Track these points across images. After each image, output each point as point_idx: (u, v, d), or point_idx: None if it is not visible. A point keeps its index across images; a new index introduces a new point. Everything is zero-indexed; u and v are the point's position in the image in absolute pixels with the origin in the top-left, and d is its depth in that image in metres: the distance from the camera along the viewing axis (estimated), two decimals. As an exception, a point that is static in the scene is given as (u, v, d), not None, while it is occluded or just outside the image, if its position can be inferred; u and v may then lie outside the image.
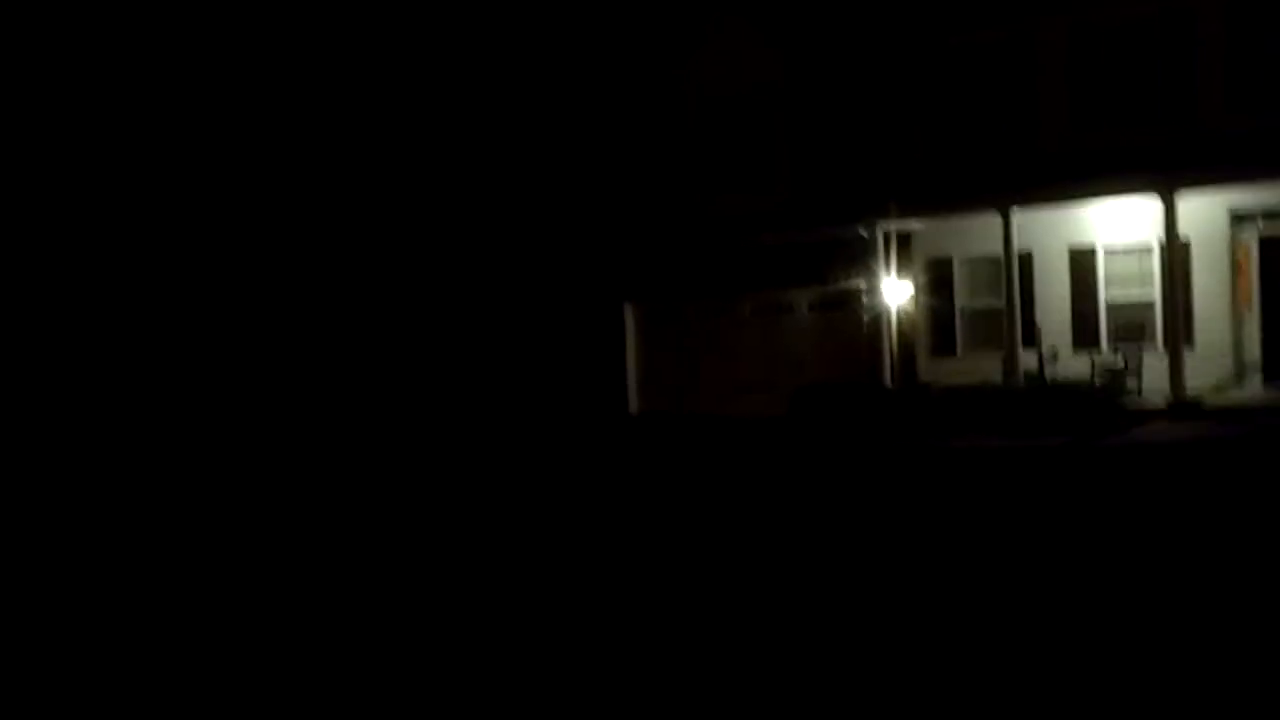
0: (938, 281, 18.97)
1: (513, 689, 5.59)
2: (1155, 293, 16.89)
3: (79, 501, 13.26)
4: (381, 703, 5.45)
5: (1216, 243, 16.74)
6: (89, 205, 21.75)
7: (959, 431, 15.40)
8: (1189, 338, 16.34)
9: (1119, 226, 17.36)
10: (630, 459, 16.02)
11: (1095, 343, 17.35)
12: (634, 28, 22.00)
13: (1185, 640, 5.77)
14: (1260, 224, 16.58)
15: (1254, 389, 16.18)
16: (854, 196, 18.77)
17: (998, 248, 17.17)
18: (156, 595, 8.15)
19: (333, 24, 23.23)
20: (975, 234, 18.03)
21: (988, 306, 18.16)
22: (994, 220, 17.09)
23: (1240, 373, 16.47)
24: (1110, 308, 17.40)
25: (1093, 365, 16.66)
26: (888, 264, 18.14)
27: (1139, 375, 16.52)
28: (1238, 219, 16.68)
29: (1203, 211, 16.47)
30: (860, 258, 18.55)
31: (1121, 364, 16.63)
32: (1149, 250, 17.06)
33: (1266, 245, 16.60)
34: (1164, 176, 15.81)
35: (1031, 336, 17.39)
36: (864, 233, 18.24)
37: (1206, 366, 16.23)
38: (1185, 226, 16.15)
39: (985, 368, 17.48)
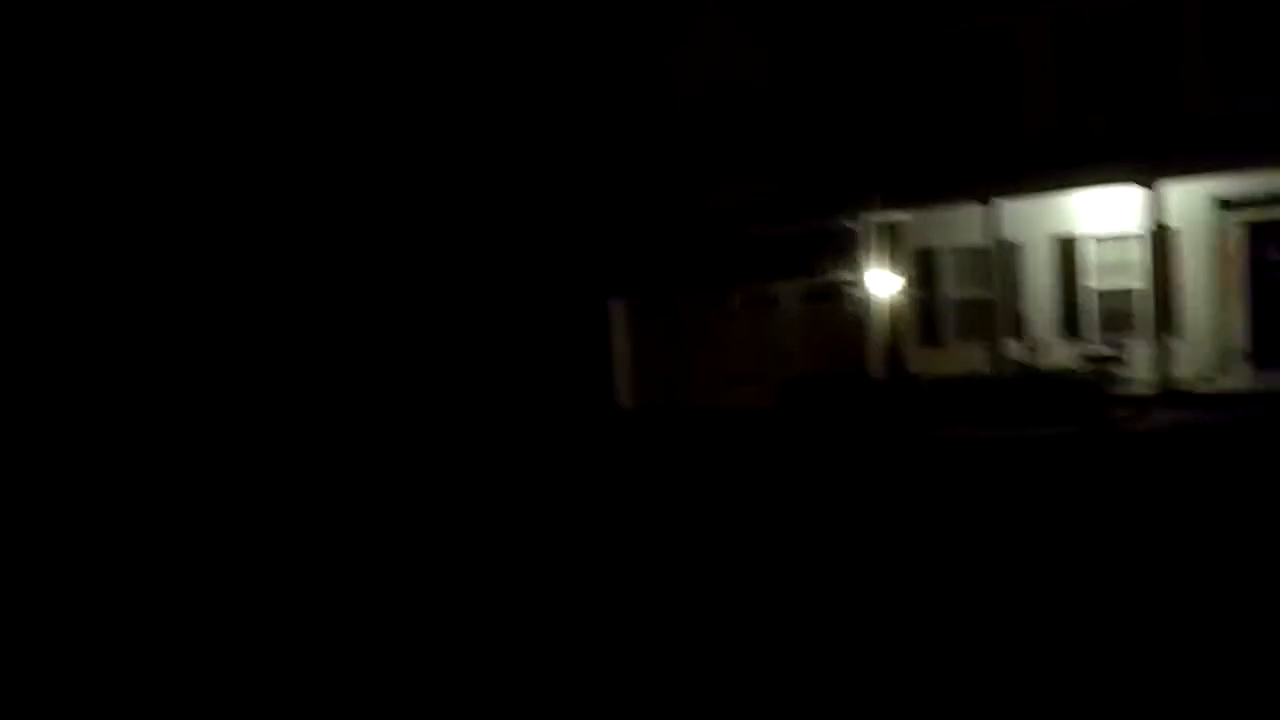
0: (925, 272, 18.99)
1: (508, 685, 5.58)
2: (1142, 281, 16.89)
3: (79, 501, 13.22)
4: (374, 699, 5.43)
5: (1203, 230, 16.74)
6: (88, 205, 21.72)
7: (947, 422, 15.41)
8: (1176, 326, 16.35)
9: (1105, 215, 17.36)
10: (621, 454, 16.00)
11: (1082, 331, 17.38)
12: (620, 23, 21.96)
13: (1173, 626, 5.77)
14: (1246, 211, 16.58)
15: (1241, 376, 16.20)
16: (841, 189, 18.78)
17: (984, 238, 17.18)
18: (153, 594, 8.12)
19: (324, 20, 23.14)
20: (962, 224, 18.04)
21: (975, 297, 18.17)
22: (980, 211, 17.09)
23: (1227, 360, 16.48)
24: (1097, 296, 17.42)
25: (1079, 354, 16.67)
26: (875, 255, 18.14)
27: (1127, 364, 16.53)
28: (1224, 206, 16.69)
29: (1189, 199, 16.47)
30: (848, 249, 18.56)
31: (1109, 353, 16.63)
32: (1135, 239, 17.05)
33: (1253, 232, 16.60)
34: (1149, 165, 15.81)
35: (1019, 326, 17.43)
36: (851, 224, 18.25)
37: (1194, 354, 16.24)
38: (1171, 214, 16.16)
39: (973, 358, 17.50)
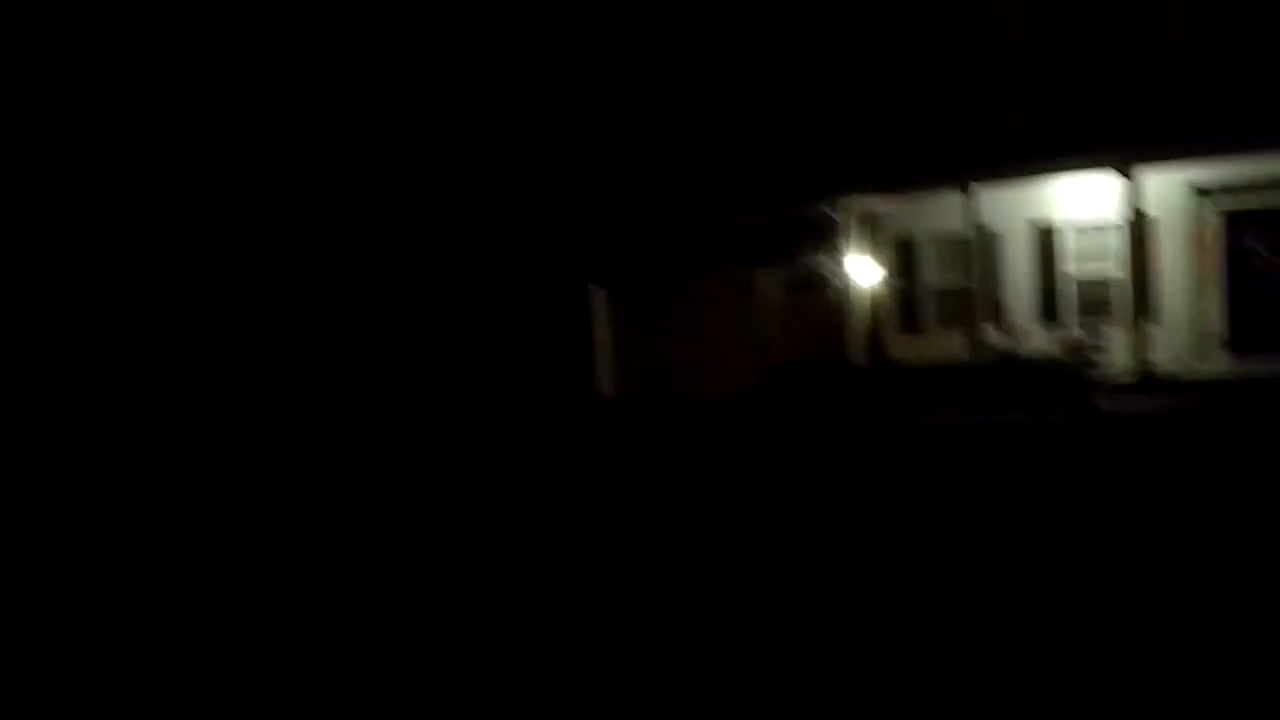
0: (905, 260, 19.07)
1: (492, 674, 5.59)
2: (1120, 269, 17.02)
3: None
4: (360, 689, 5.44)
5: (1180, 218, 16.88)
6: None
7: (927, 408, 15.50)
8: (1154, 313, 16.48)
9: (1084, 203, 17.47)
10: (605, 441, 16.02)
11: (1060, 318, 17.50)
12: (601, 10, 21.91)
13: (1152, 609, 5.84)
14: (1223, 199, 16.71)
15: (1217, 362, 16.35)
16: (822, 176, 18.83)
17: (964, 226, 17.26)
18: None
19: (299, 14, 23.04)
20: (942, 212, 18.12)
21: (955, 284, 18.26)
22: (960, 199, 17.17)
23: (1204, 346, 16.62)
24: (1075, 283, 17.54)
25: (1057, 341, 16.78)
26: (856, 243, 18.20)
27: (1104, 350, 16.65)
28: (1201, 194, 16.81)
29: (1167, 187, 16.61)
30: (828, 237, 18.60)
31: (1087, 339, 16.75)
32: (1113, 226, 17.18)
33: (1230, 220, 16.73)
34: (1127, 153, 15.91)
35: (998, 313, 17.54)
36: (832, 213, 18.30)
37: (1171, 341, 16.41)
38: (1149, 201, 16.28)
39: (953, 345, 17.62)
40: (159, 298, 21.69)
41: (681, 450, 13.98)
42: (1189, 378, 15.44)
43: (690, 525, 8.92)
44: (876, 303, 18.77)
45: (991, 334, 17.20)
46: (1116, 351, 16.45)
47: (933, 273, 18.88)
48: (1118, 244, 17.07)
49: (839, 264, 18.35)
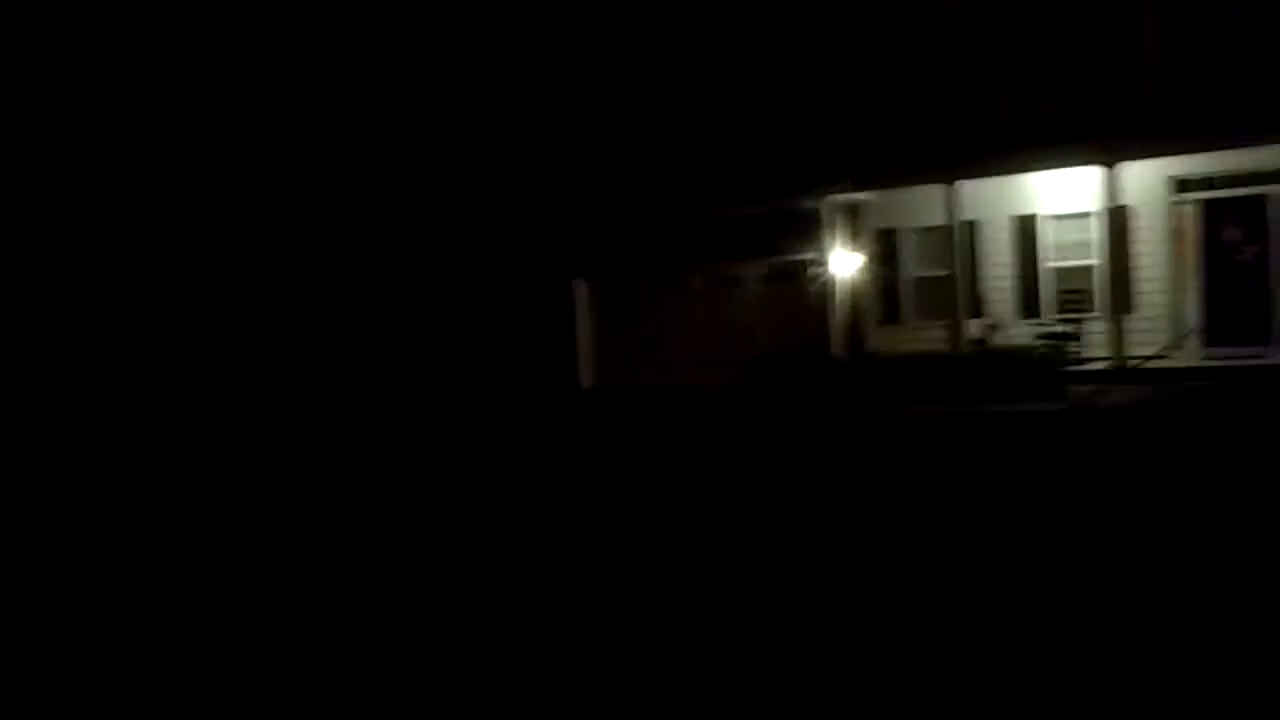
0: (886, 252, 19.12)
1: (474, 669, 5.61)
2: (1097, 260, 17.12)
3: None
4: (349, 686, 5.45)
5: (1158, 209, 16.97)
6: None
7: (906, 399, 15.55)
8: (1131, 304, 16.57)
9: (1062, 194, 17.55)
10: (589, 434, 16.03)
11: (1039, 310, 17.58)
12: (578, 1, 21.90)
13: (1126, 597, 5.89)
14: (1202, 191, 16.82)
15: (1192, 352, 16.46)
16: (804, 169, 18.86)
17: (944, 218, 17.31)
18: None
19: (280, 14, 22.98)
20: (922, 205, 18.17)
21: (935, 276, 18.32)
22: (940, 191, 17.22)
23: (1181, 337, 16.73)
24: (1054, 275, 17.63)
25: (1036, 332, 16.89)
26: (836, 235, 18.25)
27: (1082, 341, 16.77)
28: (1180, 186, 16.91)
29: (1146, 179, 16.68)
30: (810, 230, 18.64)
31: (1065, 330, 16.87)
32: (1093, 218, 17.28)
33: (1208, 212, 16.83)
34: (1107, 146, 15.99)
35: (977, 305, 17.62)
36: (813, 205, 18.33)
37: (1149, 332, 16.49)
38: (1127, 193, 16.36)
39: (933, 336, 17.69)
40: (149, 295, 21.64)
41: (661, 443, 14.01)
42: (1165, 367, 15.55)
43: (670, 518, 8.95)
44: (857, 295, 18.83)
45: (971, 326, 17.28)
46: (1095, 342, 16.56)
47: (913, 265, 18.95)
48: (1097, 236, 17.17)
49: (820, 256, 18.40)
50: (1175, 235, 16.91)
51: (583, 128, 22.03)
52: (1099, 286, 17.02)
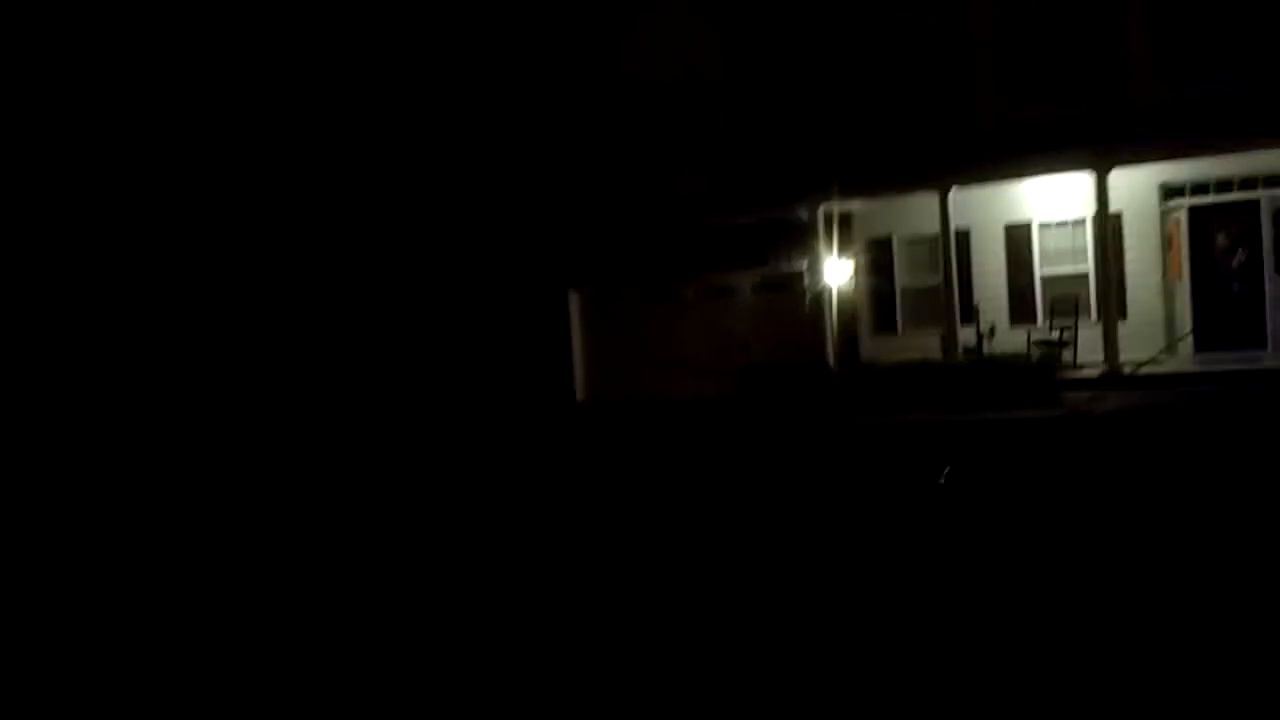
0: (878, 261, 19.19)
1: (461, 678, 5.61)
2: (1089, 266, 17.20)
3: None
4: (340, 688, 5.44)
5: (1148, 216, 17.07)
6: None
7: (900, 408, 15.57)
8: (1122, 310, 16.66)
9: (1054, 202, 17.64)
10: (578, 447, 16.03)
11: (1032, 317, 17.66)
12: (567, 11, 21.96)
13: (1129, 604, 5.91)
14: (1191, 196, 16.92)
15: (1185, 358, 16.54)
16: (795, 178, 18.91)
17: (936, 226, 17.37)
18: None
19: (267, 16, 23.00)
20: (914, 213, 18.25)
21: (927, 284, 18.39)
22: (932, 200, 17.29)
23: (1172, 342, 16.81)
24: (1046, 282, 17.71)
25: (1029, 339, 16.95)
26: (829, 244, 18.28)
27: (1075, 347, 16.83)
28: (1169, 192, 17.01)
29: (1136, 185, 16.78)
30: (802, 239, 18.69)
31: (1057, 337, 16.93)
32: (1083, 224, 17.38)
33: (1198, 217, 16.93)
34: (1096, 153, 16.08)
35: (970, 313, 17.68)
36: (805, 214, 18.38)
37: (1140, 337, 16.57)
38: (1118, 200, 16.44)
39: (926, 344, 17.73)
40: (145, 296, 21.62)
41: (656, 455, 14.01)
42: (1157, 373, 15.61)
43: (665, 530, 8.95)
44: (851, 303, 18.88)
45: (964, 333, 17.33)
46: (1087, 348, 16.62)
47: (905, 273, 19.02)
48: (1088, 242, 17.26)
49: (813, 265, 18.44)
50: (1167, 241, 17.00)
51: (575, 139, 22.07)
52: (1090, 293, 17.09)
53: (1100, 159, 16.06)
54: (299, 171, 22.89)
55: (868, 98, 19.11)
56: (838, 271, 18.33)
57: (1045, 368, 15.86)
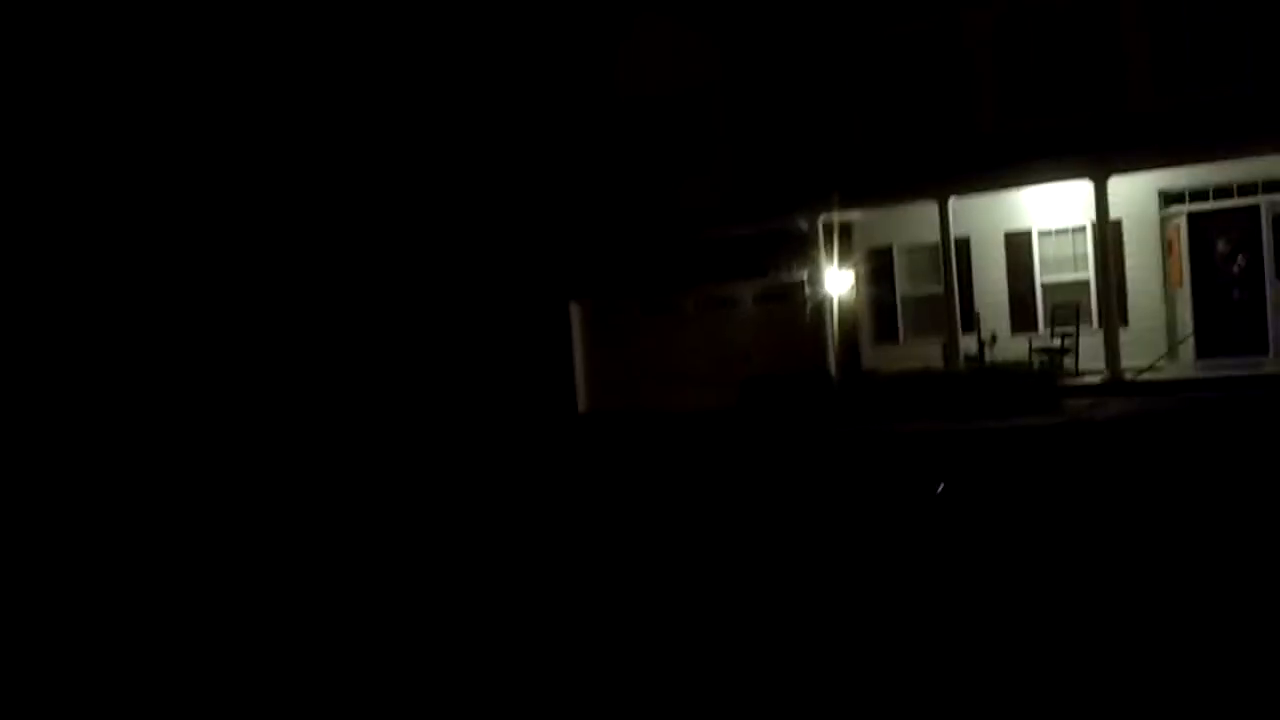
0: (879, 270, 19.21)
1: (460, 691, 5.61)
2: (1090, 274, 17.22)
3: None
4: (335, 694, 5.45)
5: (1148, 223, 17.08)
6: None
7: (903, 417, 15.57)
8: (1123, 317, 16.66)
9: (1053, 210, 17.66)
10: (581, 460, 16.03)
11: (1033, 324, 17.66)
12: (567, 26, 22.05)
13: (1113, 608, 5.91)
14: (1190, 203, 16.93)
15: (1186, 364, 16.54)
16: (795, 189, 18.94)
17: (936, 235, 17.39)
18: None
19: (255, 34, 23.12)
20: (914, 222, 18.28)
21: (928, 293, 18.40)
22: (932, 209, 17.32)
23: (1173, 349, 16.81)
24: (1047, 289, 17.72)
25: (1030, 347, 16.95)
26: (829, 254, 18.30)
27: (1076, 355, 16.84)
28: (1168, 199, 17.03)
29: (1134, 192, 16.80)
30: (802, 249, 18.71)
31: (1059, 344, 16.93)
32: (1083, 232, 17.40)
33: (1197, 223, 16.95)
34: (1095, 161, 16.10)
35: (971, 321, 17.70)
36: (805, 224, 18.41)
37: (1141, 344, 16.57)
38: (1117, 207, 16.46)
39: (927, 353, 17.74)
40: (145, 298, 21.66)
41: (660, 466, 14.01)
42: (1159, 379, 15.61)
43: (669, 540, 8.96)
44: (852, 313, 18.90)
45: (966, 342, 17.34)
46: (1090, 355, 16.62)
47: (906, 282, 19.03)
48: (1088, 250, 17.28)
49: (814, 275, 18.46)
50: (1167, 247, 17.01)
51: (576, 152, 22.13)
52: (1091, 300, 17.11)
53: (1099, 167, 16.09)
54: (306, 183, 22.96)
55: (867, 108, 19.16)
56: (838, 281, 18.35)
57: (1047, 375, 15.87)
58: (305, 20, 23.17)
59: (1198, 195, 16.81)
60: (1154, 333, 16.76)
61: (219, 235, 22.43)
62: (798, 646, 5.61)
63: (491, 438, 18.78)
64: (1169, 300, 16.94)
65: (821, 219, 18.16)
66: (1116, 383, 15.67)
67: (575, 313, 21.90)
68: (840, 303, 18.45)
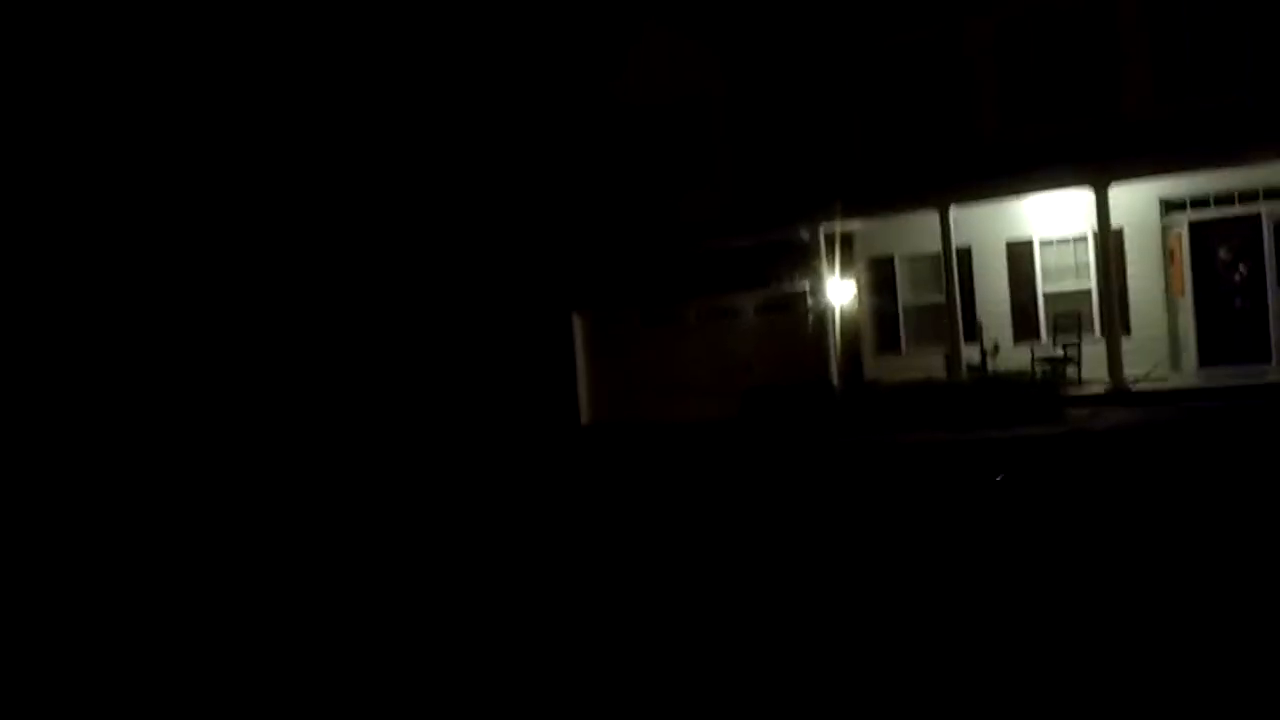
0: (881, 280, 19.21)
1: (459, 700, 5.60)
2: (1091, 283, 17.20)
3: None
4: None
5: (1149, 231, 17.06)
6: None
7: (905, 427, 15.54)
8: (1125, 325, 16.63)
9: (1055, 219, 17.66)
10: (590, 471, 16.02)
11: (1035, 334, 17.65)
12: (568, 36, 22.10)
13: (1112, 618, 5.89)
14: (1191, 211, 16.91)
15: (1188, 373, 16.50)
16: (796, 199, 18.96)
17: (938, 245, 17.38)
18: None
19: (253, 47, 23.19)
20: (916, 232, 18.27)
21: (930, 303, 18.39)
22: (934, 218, 17.31)
23: (1175, 357, 16.78)
24: (1049, 299, 17.71)
25: (1032, 356, 16.93)
26: (831, 264, 18.30)
27: (1078, 364, 16.81)
28: (1170, 207, 17.02)
29: (1135, 201, 16.79)
30: (803, 259, 18.72)
31: (1061, 354, 16.91)
32: (1084, 241, 17.38)
33: (1199, 232, 16.93)
34: (1096, 169, 16.10)
35: (973, 331, 17.67)
36: (806, 235, 18.42)
37: (1143, 352, 16.54)
38: (1119, 216, 16.45)
39: (930, 363, 17.72)
40: (144, 299, 21.71)
41: (662, 477, 14.00)
42: (1161, 388, 15.58)
43: (672, 550, 8.94)
44: (854, 323, 18.89)
45: (968, 351, 17.31)
46: (1092, 364, 16.59)
47: (908, 292, 19.03)
48: (1090, 258, 17.26)
49: (815, 285, 18.46)
50: (1169, 256, 16.99)
51: (577, 163, 22.16)
52: (1093, 309, 17.08)
53: (1099, 175, 16.08)
54: (310, 192, 23.01)
55: (868, 117, 19.17)
56: (840, 291, 18.34)
57: (1049, 385, 15.84)
58: (309, 29, 23.24)
59: (1199, 203, 16.80)
60: (1156, 341, 16.74)
61: (223, 246, 22.47)
62: (798, 650, 5.59)
63: (496, 449, 18.77)
64: (1171, 309, 16.91)
65: (823, 229, 18.16)
66: (1119, 392, 15.65)
67: (577, 324, 21.91)
68: (842, 313, 18.45)
